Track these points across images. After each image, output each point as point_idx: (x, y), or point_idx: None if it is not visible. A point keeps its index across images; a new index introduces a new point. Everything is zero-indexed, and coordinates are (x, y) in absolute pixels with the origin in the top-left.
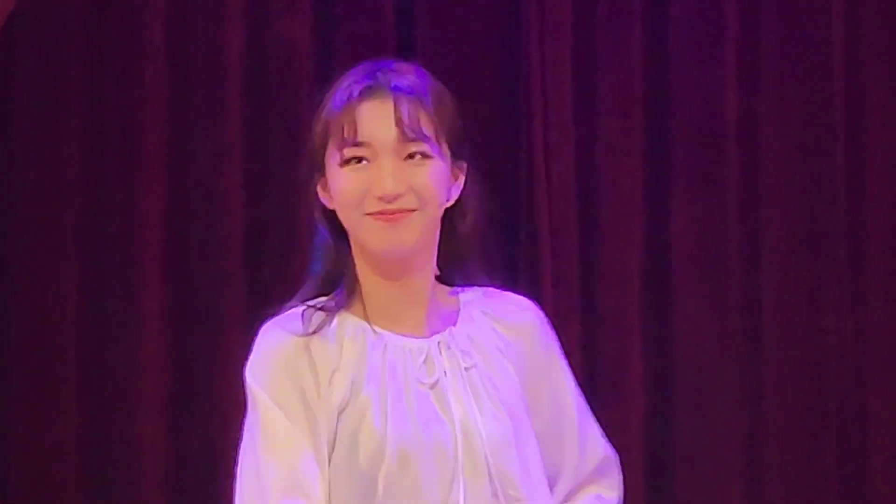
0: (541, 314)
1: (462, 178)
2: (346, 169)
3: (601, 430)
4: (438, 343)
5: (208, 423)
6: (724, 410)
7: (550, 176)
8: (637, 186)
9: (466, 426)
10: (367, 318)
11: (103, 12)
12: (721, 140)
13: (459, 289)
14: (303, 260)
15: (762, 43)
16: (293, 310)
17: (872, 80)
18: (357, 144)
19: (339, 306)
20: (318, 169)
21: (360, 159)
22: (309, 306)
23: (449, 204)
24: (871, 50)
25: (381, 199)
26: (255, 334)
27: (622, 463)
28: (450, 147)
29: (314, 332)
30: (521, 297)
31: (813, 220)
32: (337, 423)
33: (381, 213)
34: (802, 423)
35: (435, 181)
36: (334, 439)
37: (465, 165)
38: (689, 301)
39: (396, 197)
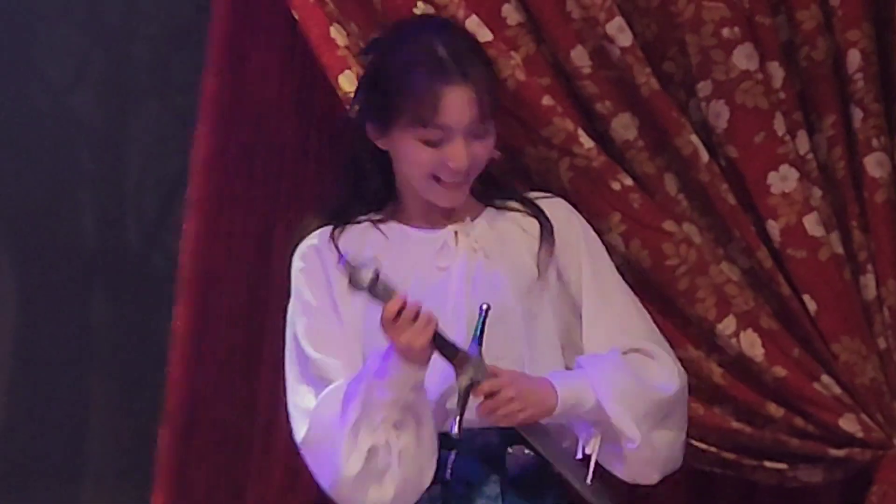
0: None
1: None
2: (424, 143)
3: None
4: (455, 232)
5: None
6: None
7: None
8: None
9: (468, 299)
10: (400, 221)
11: None
12: None
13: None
14: None
15: None
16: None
17: None
18: (438, 127)
19: (383, 217)
20: (378, 120)
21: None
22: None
23: None
24: None
25: (455, 173)
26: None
27: None
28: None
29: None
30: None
31: None
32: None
33: (447, 181)
34: None
35: (490, 152)
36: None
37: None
38: None
39: (466, 172)
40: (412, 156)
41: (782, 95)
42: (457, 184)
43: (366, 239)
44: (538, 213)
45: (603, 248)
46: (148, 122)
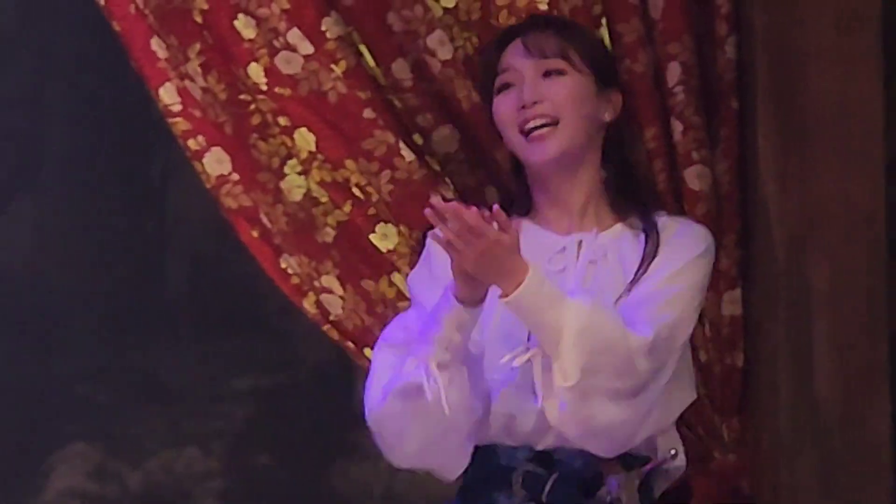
0: (709, 239)
1: (617, 103)
2: (500, 95)
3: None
4: (579, 242)
5: None
6: None
7: None
8: None
9: None
10: (535, 222)
11: None
12: None
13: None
14: None
15: None
16: None
17: None
18: (503, 71)
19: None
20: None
21: (508, 85)
22: None
23: (606, 120)
24: None
25: (522, 108)
26: None
27: None
28: (591, 68)
29: None
30: (697, 225)
31: None
32: None
33: (526, 129)
34: None
35: (569, 92)
36: None
37: (618, 92)
38: None
39: (534, 104)
40: (498, 113)
41: None
42: (541, 135)
43: None
44: (651, 233)
45: (687, 271)
46: None
